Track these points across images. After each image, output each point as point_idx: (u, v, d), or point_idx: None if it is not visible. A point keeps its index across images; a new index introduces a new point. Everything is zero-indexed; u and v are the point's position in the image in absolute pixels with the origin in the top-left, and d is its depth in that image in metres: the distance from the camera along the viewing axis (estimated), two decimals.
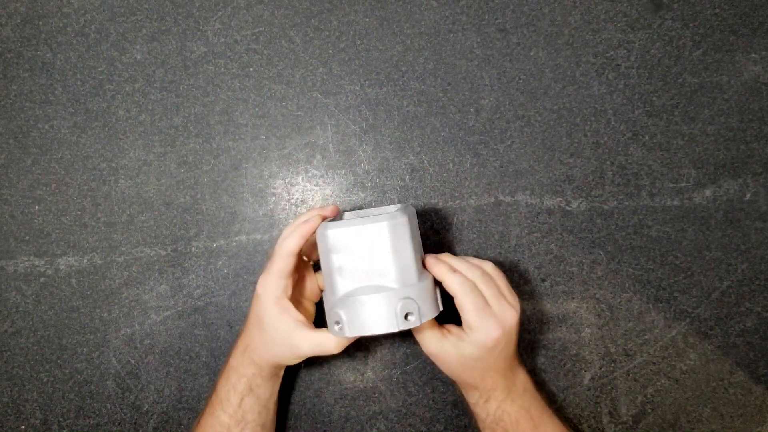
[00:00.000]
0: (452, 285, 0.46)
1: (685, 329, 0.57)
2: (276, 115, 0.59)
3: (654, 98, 0.58)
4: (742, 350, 0.57)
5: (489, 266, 0.49)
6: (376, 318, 0.42)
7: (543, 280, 0.58)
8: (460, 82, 0.58)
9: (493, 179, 0.58)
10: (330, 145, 0.59)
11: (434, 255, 0.49)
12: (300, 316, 0.47)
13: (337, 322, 0.44)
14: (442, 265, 0.47)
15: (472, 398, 0.49)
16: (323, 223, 0.46)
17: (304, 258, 0.52)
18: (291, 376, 0.58)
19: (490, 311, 0.46)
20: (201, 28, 0.59)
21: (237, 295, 0.58)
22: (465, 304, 0.45)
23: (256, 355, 0.48)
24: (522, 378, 0.50)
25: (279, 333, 0.46)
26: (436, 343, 0.47)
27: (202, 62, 0.59)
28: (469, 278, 0.47)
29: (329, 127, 0.59)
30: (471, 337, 0.45)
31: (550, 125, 0.58)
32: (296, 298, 0.49)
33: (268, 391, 0.50)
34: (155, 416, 0.57)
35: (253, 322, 0.48)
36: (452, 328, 0.48)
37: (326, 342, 0.46)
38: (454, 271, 0.47)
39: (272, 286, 0.46)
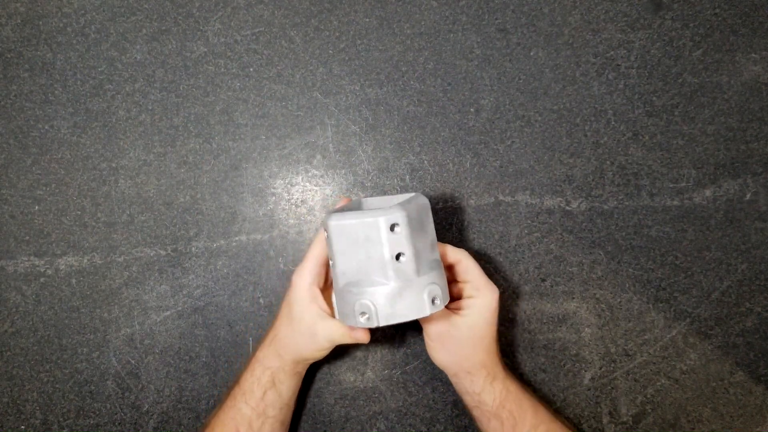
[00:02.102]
0: (455, 251, 0.48)
1: (685, 329, 0.57)
2: (276, 115, 0.59)
3: (654, 98, 0.58)
4: (742, 350, 0.57)
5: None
6: (406, 305, 0.42)
7: (543, 280, 0.58)
8: (460, 82, 0.58)
9: (493, 179, 0.58)
10: (330, 145, 0.59)
11: None
12: (326, 307, 0.48)
13: (364, 313, 0.43)
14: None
15: (478, 384, 0.48)
16: (331, 213, 0.45)
17: None
18: None
19: (486, 276, 0.49)
20: (201, 28, 0.59)
21: (237, 295, 0.58)
22: (471, 267, 0.48)
23: (280, 346, 0.49)
24: None
25: (304, 322, 0.47)
26: (444, 322, 0.47)
27: (202, 62, 0.59)
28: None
29: (329, 127, 0.59)
30: (478, 301, 0.47)
31: (550, 125, 0.58)
32: (329, 292, 0.50)
33: (290, 389, 0.51)
34: (155, 416, 0.57)
35: (283, 311, 0.49)
36: (452, 305, 0.49)
37: (340, 333, 0.47)
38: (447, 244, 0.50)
39: (307, 272, 0.47)
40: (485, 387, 0.48)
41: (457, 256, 0.48)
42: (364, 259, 0.43)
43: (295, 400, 0.52)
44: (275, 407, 0.49)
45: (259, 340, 0.51)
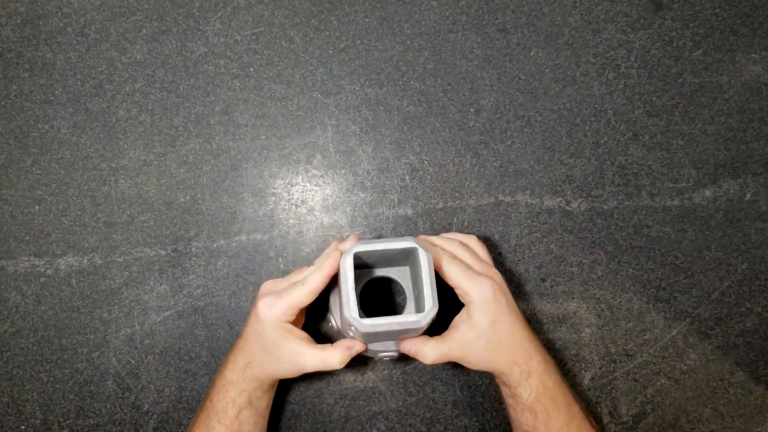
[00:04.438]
0: (437, 255, 0.48)
1: (685, 329, 0.57)
2: (276, 115, 0.59)
3: (654, 98, 0.58)
4: (742, 350, 0.57)
5: (472, 240, 0.52)
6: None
7: (543, 280, 0.58)
8: (460, 82, 0.58)
9: (493, 179, 0.58)
10: (330, 145, 0.59)
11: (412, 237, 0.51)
12: (303, 334, 0.47)
13: (385, 351, 0.49)
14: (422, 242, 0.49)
15: (514, 378, 0.47)
16: (359, 318, 0.44)
17: None
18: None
19: (474, 271, 0.47)
20: (201, 28, 0.59)
21: (237, 295, 0.58)
22: (450, 270, 0.47)
23: (259, 372, 0.48)
24: (551, 356, 0.50)
25: (284, 352, 0.46)
26: (458, 343, 0.46)
27: (202, 62, 0.59)
28: (448, 249, 0.49)
29: (329, 127, 0.59)
30: (473, 302, 0.46)
31: (550, 125, 0.58)
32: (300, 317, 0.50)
33: (265, 402, 0.50)
34: (155, 416, 0.57)
35: (255, 342, 0.48)
36: (453, 322, 0.48)
37: (331, 359, 0.46)
38: (434, 245, 0.49)
39: (279, 313, 0.46)
40: (521, 382, 0.47)
41: (438, 262, 0.47)
42: (397, 335, 0.46)
43: (270, 409, 0.52)
44: (250, 423, 0.49)
45: (226, 361, 0.50)
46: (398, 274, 0.53)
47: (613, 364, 0.57)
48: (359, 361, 0.57)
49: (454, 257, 0.48)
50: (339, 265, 0.45)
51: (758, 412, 0.57)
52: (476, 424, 0.57)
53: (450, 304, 0.50)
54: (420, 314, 0.43)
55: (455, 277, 0.46)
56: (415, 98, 0.58)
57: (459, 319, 0.47)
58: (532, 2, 0.59)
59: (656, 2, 0.59)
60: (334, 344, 0.47)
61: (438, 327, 0.49)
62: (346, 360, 0.47)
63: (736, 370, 0.57)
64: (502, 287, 0.47)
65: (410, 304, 0.53)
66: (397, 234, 0.58)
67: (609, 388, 0.57)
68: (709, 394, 0.57)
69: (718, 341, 0.57)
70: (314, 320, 0.57)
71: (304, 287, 0.46)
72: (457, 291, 0.47)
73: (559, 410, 0.47)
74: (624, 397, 0.57)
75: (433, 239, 0.50)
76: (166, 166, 0.58)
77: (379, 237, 0.58)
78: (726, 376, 0.57)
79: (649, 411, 0.57)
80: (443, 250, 0.48)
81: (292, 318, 0.47)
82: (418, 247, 0.44)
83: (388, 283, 0.57)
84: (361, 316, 0.43)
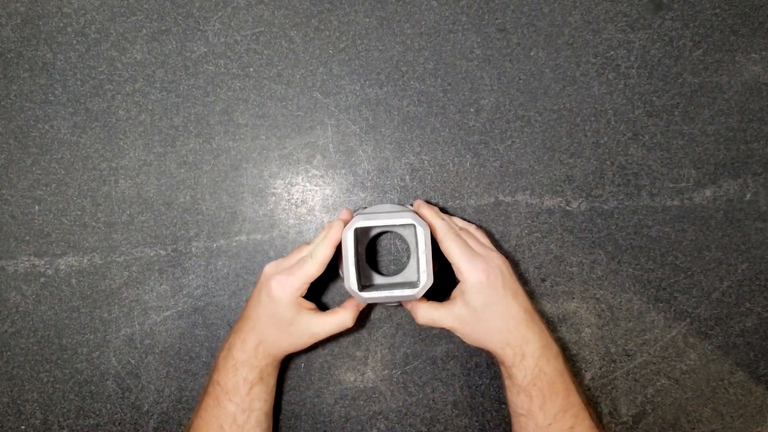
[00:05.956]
0: (439, 228, 0.49)
1: (685, 329, 0.57)
2: (276, 115, 0.59)
3: (654, 98, 0.58)
4: (742, 350, 0.57)
5: (472, 227, 0.54)
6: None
7: (543, 280, 0.58)
8: (460, 82, 0.58)
9: (493, 179, 0.58)
10: (330, 145, 0.59)
11: (426, 202, 0.54)
12: (311, 305, 0.49)
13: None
14: (431, 210, 0.51)
15: (508, 359, 0.47)
16: (358, 291, 0.47)
17: None
18: (291, 376, 0.58)
19: (474, 252, 0.48)
20: (201, 28, 0.59)
21: (237, 295, 0.58)
22: (450, 247, 0.48)
23: (273, 349, 0.49)
24: (556, 345, 0.50)
25: (298, 326, 0.48)
26: (450, 314, 0.48)
27: (202, 62, 0.59)
28: (451, 226, 0.50)
29: (329, 127, 0.59)
30: (467, 282, 0.47)
31: (550, 125, 0.58)
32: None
33: (274, 378, 0.51)
34: (155, 416, 0.57)
35: (268, 322, 0.48)
36: (452, 294, 0.49)
37: (343, 320, 0.49)
38: (441, 218, 0.50)
39: (294, 288, 0.47)
40: (515, 363, 0.47)
41: (439, 234, 0.49)
42: (394, 302, 0.50)
43: (276, 387, 0.53)
44: (261, 399, 0.49)
45: (232, 342, 0.50)
46: (403, 230, 0.56)
47: (613, 364, 0.57)
48: (359, 361, 0.57)
49: (457, 234, 0.49)
50: (341, 236, 0.47)
51: (758, 412, 0.57)
52: (476, 424, 0.57)
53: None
54: (415, 289, 0.47)
55: (453, 255, 0.47)
56: (415, 98, 0.58)
57: (456, 292, 0.49)
58: (532, 2, 0.59)
59: (656, 2, 0.59)
60: (342, 305, 0.50)
61: (444, 287, 0.51)
62: (356, 316, 0.50)
63: (736, 370, 0.57)
64: (500, 270, 0.48)
65: (413, 260, 0.55)
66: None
67: (609, 388, 0.57)
68: (709, 394, 0.57)
69: (718, 341, 0.57)
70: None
71: (315, 260, 0.47)
72: (454, 268, 0.48)
73: (556, 396, 0.46)
74: (624, 397, 0.57)
75: (440, 213, 0.52)
76: (166, 166, 0.58)
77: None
78: (726, 376, 0.57)
79: (649, 411, 0.57)
80: (447, 225, 0.49)
81: (305, 292, 0.48)
82: (416, 224, 0.46)
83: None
84: (360, 288, 0.47)
